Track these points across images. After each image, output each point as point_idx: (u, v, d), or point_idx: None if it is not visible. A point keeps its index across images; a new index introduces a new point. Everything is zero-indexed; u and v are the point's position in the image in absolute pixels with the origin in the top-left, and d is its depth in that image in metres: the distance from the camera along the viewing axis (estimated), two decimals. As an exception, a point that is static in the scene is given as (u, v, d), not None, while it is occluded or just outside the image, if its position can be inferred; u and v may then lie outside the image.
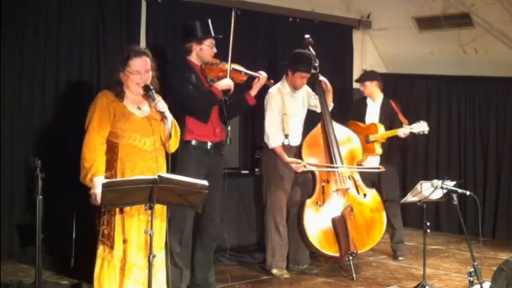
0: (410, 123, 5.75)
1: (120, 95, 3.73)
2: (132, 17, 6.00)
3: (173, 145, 3.87)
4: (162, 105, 3.75)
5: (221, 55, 4.64)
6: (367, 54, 8.11)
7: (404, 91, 7.83)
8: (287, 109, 5.29)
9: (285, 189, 5.32)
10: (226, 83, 4.48)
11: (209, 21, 4.56)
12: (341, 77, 7.75)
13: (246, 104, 4.73)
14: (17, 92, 5.41)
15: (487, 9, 6.71)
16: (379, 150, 5.77)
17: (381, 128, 5.78)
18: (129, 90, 3.76)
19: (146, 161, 3.67)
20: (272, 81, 4.97)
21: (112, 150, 3.65)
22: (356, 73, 8.05)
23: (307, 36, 5.50)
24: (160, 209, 3.69)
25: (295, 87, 5.36)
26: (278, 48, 7.07)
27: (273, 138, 5.26)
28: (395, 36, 7.75)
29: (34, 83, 5.50)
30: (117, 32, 5.90)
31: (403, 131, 5.68)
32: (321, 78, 5.44)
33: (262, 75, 4.72)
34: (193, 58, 4.57)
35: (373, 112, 5.97)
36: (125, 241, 3.61)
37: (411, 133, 5.69)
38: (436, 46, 7.46)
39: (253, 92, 4.72)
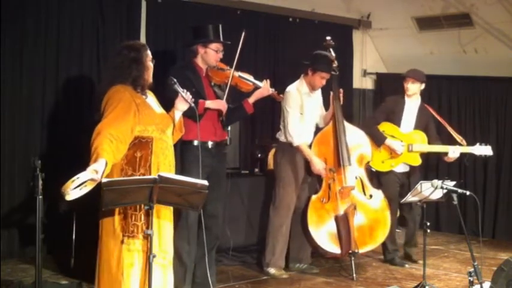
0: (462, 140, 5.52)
1: (143, 90, 3.63)
2: (132, 17, 6.01)
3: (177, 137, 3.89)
4: (189, 95, 3.79)
5: (226, 62, 4.61)
6: (367, 54, 8.12)
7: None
8: (304, 109, 5.29)
9: (296, 189, 5.31)
10: (218, 105, 4.46)
11: (220, 26, 4.54)
12: (341, 77, 7.73)
13: (243, 111, 4.69)
14: (17, 91, 5.42)
15: (487, 9, 6.72)
16: (420, 160, 5.61)
17: (425, 137, 5.58)
18: (146, 81, 3.66)
19: (168, 156, 3.65)
20: (282, 96, 4.93)
21: (146, 146, 3.53)
22: (356, 73, 8.07)
23: (328, 38, 5.46)
24: (168, 210, 3.63)
25: (313, 87, 5.35)
26: (278, 48, 7.07)
27: (297, 135, 5.24)
28: (395, 36, 7.75)
29: (34, 82, 5.50)
30: (117, 32, 5.90)
31: (461, 151, 5.44)
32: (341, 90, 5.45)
33: (266, 86, 4.69)
34: (199, 61, 4.56)
35: (410, 114, 5.69)
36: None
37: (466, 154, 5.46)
38: (436, 46, 7.47)
39: (251, 99, 4.67)
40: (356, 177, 5.41)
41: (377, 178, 5.89)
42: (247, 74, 4.66)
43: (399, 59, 7.88)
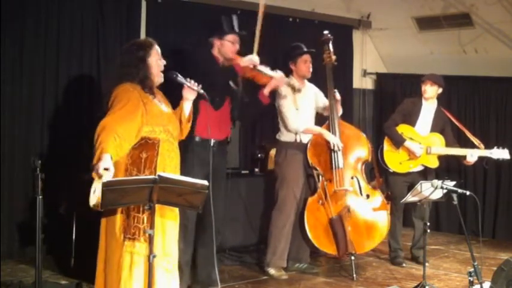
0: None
1: (152, 90, 3.61)
2: (132, 17, 6.01)
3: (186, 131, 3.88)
4: (194, 82, 3.77)
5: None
6: (367, 54, 8.11)
7: (404, 91, 7.83)
8: (299, 104, 5.30)
9: (297, 189, 5.31)
10: (251, 59, 4.42)
11: (234, 17, 4.58)
12: (341, 77, 7.73)
13: (259, 104, 4.65)
14: (17, 91, 5.42)
15: (487, 9, 6.72)
16: (437, 163, 5.61)
17: (443, 140, 5.59)
18: (153, 82, 3.65)
19: (174, 158, 3.65)
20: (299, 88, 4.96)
21: (152, 147, 3.51)
22: (356, 73, 8.06)
23: (325, 32, 5.46)
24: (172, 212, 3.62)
25: (304, 76, 5.38)
26: (278, 48, 7.05)
27: (299, 123, 5.27)
28: (395, 36, 7.75)
29: (34, 83, 5.50)
30: (117, 32, 5.90)
31: (478, 154, 5.45)
32: (336, 91, 5.42)
33: (278, 76, 4.65)
34: (216, 53, 4.60)
35: (426, 116, 5.68)
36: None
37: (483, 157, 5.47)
38: (436, 46, 7.47)
39: (267, 90, 4.63)
40: (352, 178, 5.41)
41: (385, 177, 5.88)
42: (264, 66, 4.59)
43: (399, 59, 7.88)
